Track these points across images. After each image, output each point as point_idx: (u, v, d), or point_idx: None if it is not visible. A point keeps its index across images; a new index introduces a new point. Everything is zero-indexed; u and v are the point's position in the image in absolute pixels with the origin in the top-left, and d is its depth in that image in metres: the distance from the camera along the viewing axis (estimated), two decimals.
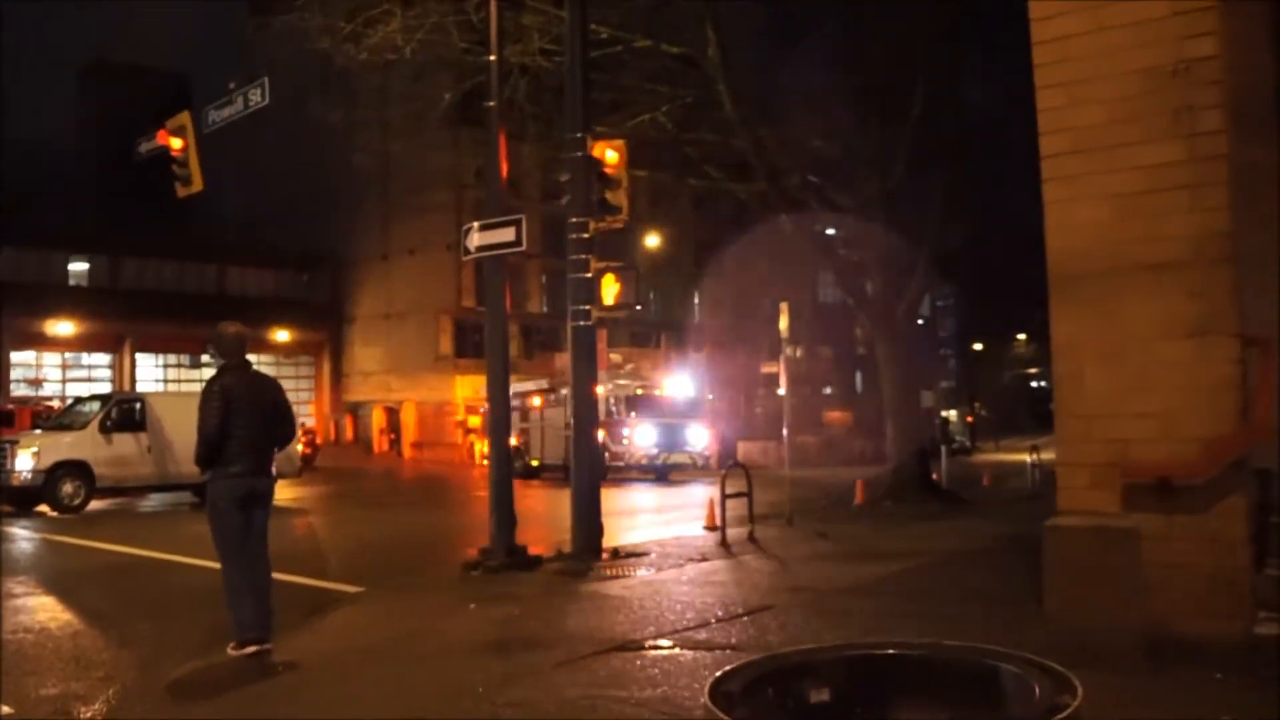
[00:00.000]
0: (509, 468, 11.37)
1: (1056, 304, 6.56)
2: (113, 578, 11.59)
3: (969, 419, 64.66)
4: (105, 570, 12.15)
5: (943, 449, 26.49)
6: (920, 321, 36.67)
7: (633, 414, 30.13)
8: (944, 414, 58.20)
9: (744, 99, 17.79)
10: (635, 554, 11.78)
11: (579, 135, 11.48)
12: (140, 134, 16.13)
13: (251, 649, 6.93)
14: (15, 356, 43.89)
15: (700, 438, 31.37)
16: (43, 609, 9.41)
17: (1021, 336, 73.88)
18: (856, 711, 2.39)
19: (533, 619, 8.42)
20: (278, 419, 7.39)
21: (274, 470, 7.50)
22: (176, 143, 14.66)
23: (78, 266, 46.81)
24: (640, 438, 29.70)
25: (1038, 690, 2.16)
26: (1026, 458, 23.65)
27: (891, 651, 2.45)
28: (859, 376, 57.01)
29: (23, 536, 15.38)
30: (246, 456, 7.04)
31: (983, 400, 71.52)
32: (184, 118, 14.91)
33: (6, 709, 5.88)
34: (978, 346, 72.71)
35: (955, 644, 2.45)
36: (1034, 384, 75.87)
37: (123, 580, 11.39)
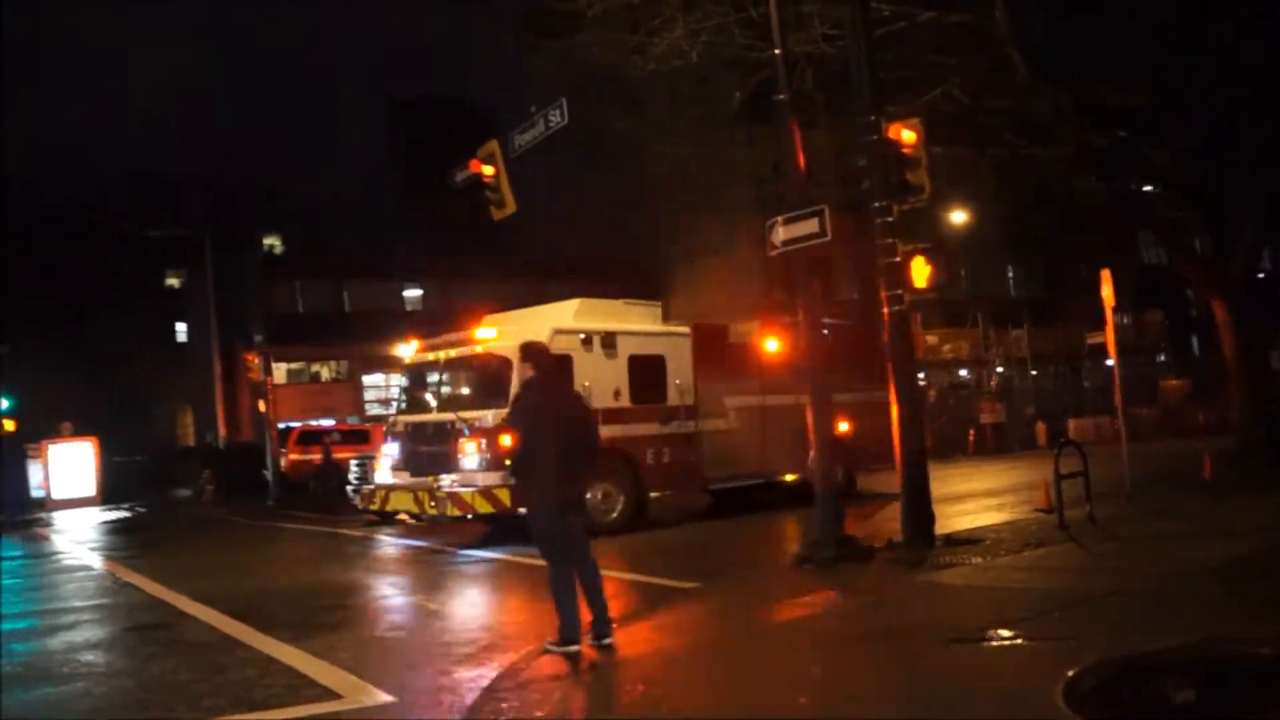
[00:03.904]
0: (833, 459, 11.32)
1: None
2: (466, 578, 12.47)
3: None
4: (459, 572, 13.07)
5: None
6: (1260, 276, 33.22)
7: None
8: None
9: (1039, 60, 16.89)
10: (969, 540, 11.40)
11: (872, 118, 11.29)
12: (453, 163, 17.13)
13: (572, 648, 7.26)
14: (366, 379, 47.95)
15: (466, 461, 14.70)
16: (411, 608, 10.26)
17: None
18: (1223, 715, 2.21)
19: (869, 611, 8.36)
20: (583, 428, 7.69)
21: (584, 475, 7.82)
22: (488, 169, 15.49)
23: (412, 293, 50.49)
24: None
25: None
26: None
27: (1266, 651, 2.26)
28: (1195, 341, 52.74)
29: (387, 542, 16.77)
30: (559, 466, 7.35)
31: None
32: (492, 145, 15.74)
33: (389, 697, 6.45)
34: None
35: None
36: None
37: (474, 580, 12.23)
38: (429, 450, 15.49)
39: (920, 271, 11.03)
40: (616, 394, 16.09)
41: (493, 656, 7.58)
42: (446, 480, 14.82)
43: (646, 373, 16.67)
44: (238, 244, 39.85)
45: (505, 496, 14.07)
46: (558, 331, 15.63)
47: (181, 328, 53.08)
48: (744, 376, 17.74)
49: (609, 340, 16.28)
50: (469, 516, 14.50)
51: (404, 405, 17.29)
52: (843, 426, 17.93)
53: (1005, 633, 6.99)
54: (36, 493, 36.58)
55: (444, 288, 50.16)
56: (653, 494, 16.38)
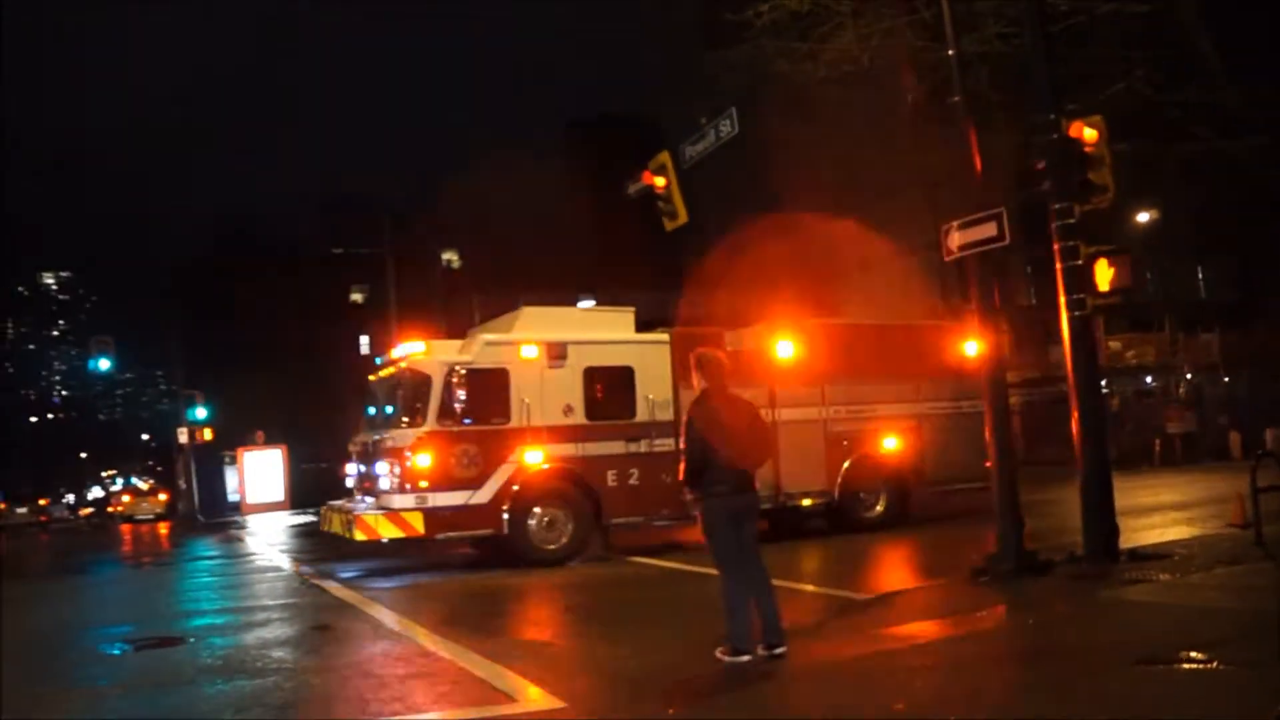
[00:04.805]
0: (1013, 467, 10.94)
1: None
2: (639, 586, 12.58)
3: None
4: (632, 580, 13.20)
5: None
6: None
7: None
8: None
9: (1230, 47, 16.05)
10: (1156, 555, 10.85)
11: (1051, 117, 10.92)
12: (625, 177, 17.32)
13: (744, 658, 7.20)
14: None
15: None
16: (584, 614, 10.40)
17: None
18: None
19: (1049, 628, 8.07)
20: (756, 439, 7.63)
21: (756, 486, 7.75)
22: (660, 181, 15.60)
23: (585, 304, 51.31)
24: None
25: None
26: None
27: None
28: None
29: None
30: (731, 476, 7.34)
31: None
32: (664, 157, 15.85)
33: (561, 702, 6.55)
34: None
35: None
36: None
37: (648, 589, 12.30)
38: (364, 471, 15.25)
39: (1104, 275, 10.59)
40: (567, 410, 14.51)
41: (665, 665, 7.61)
42: (362, 503, 14.56)
43: (608, 386, 15.04)
44: (418, 260, 41.12)
45: (417, 521, 13.52)
46: (488, 343, 14.54)
47: (365, 340, 55.25)
48: (746, 388, 16.00)
49: (557, 351, 14.65)
50: (384, 541, 13.77)
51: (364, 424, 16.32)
52: (888, 443, 16.42)
53: (1198, 656, 6.62)
54: (232, 497, 38.66)
55: (615, 298, 50.76)
56: (618, 520, 14.87)
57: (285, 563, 17.40)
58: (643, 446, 14.90)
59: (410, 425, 14.00)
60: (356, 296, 56.70)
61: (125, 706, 7.50)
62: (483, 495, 13.87)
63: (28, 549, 32.65)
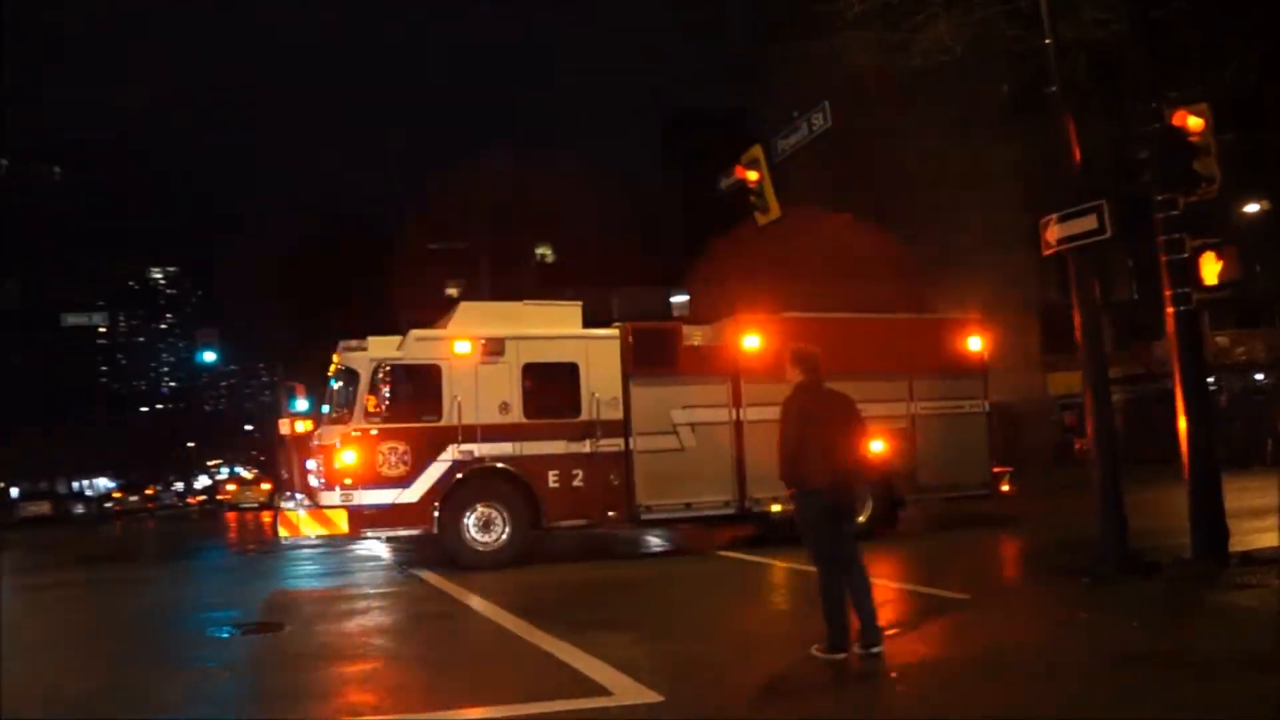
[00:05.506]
0: (1116, 465, 10.68)
1: None
2: (735, 581, 12.61)
3: None
4: (728, 574, 13.22)
5: None
6: None
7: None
8: None
9: None
10: (1270, 560, 10.44)
11: (1153, 105, 10.65)
12: (717, 171, 17.26)
13: (839, 656, 7.17)
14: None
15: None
16: (681, 609, 10.45)
17: None
18: None
19: (1152, 632, 7.87)
20: (853, 434, 7.55)
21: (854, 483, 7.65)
22: (752, 175, 15.51)
23: (679, 298, 51.31)
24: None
25: None
26: None
27: None
28: None
29: (654, 543, 17.09)
30: (827, 471, 7.28)
31: None
32: (756, 151, 15.75)
33: (658, 696, 6.53)
34: None
35: None
36: None
37: (745, 584, 12.32)
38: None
39: (1210, 268, 10.29)
40: (504, 407, 14.11)
41: (761, 661, 7.61)
42: (293, 500, 14.54)
43: (550, 383, 14.65)
44: (512, 254, 41.49)
45: (340, 519, 13.46)
46: (419, 339, 14.27)
47: None
48: (707, 386, 15.10)
49: (494, 347, 14.23)
50: (313, 536, 13.83)
51: None
52: (874, 445, 14.70)
53: None
54: None
55: (709, 292, 50.71)
56: (562, 522, 14.40)
57: (383, 551, 17.74)
58: (587, 446, 14.49)
59: (339, 422, 13.96)
60: (452, 291, 57.47)
61: (232, 687, 7.77)
62: (411, 494, 13.70)
63: (136, 535, 33.82)
